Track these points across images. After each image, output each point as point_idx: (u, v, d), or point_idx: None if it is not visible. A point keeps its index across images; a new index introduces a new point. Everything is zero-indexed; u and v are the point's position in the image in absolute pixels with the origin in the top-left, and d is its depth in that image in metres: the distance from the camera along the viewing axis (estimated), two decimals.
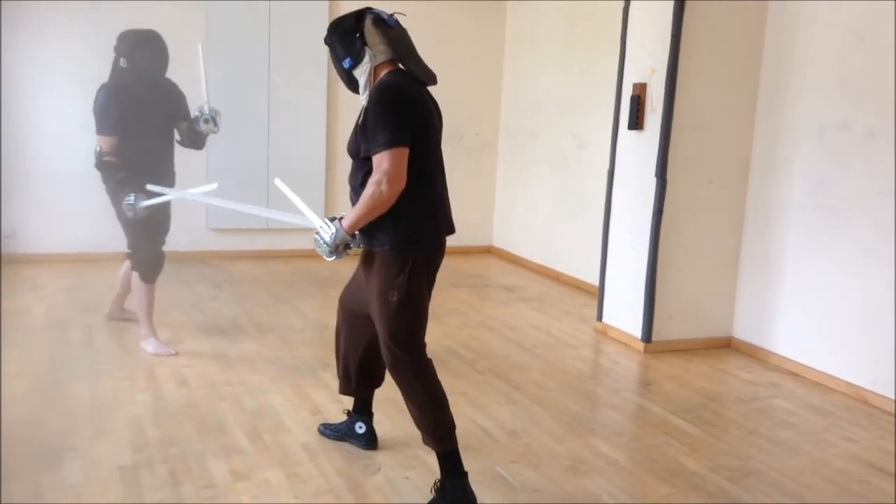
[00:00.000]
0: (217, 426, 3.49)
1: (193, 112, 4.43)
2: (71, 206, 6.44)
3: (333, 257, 2.86)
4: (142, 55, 4.23)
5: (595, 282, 5.76)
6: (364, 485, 3.04)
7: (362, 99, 2.86)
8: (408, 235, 2.81)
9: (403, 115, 2.72)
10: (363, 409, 3.37)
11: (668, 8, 4.62)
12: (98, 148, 4.24)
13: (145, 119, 4.26)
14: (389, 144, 2.67)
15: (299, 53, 6.98)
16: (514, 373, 4.41)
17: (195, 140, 4.50)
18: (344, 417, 3.45)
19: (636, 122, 4.86)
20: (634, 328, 4.97)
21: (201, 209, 6.87)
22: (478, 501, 2.88)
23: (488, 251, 7.97)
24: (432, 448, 2.91)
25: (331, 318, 3.33)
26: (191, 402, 3.76)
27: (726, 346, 5.07)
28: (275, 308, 5.50)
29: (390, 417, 3.57)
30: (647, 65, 4.80)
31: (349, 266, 3.11)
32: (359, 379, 3.28)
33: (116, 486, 2.92)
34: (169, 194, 4.16)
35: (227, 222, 6.88)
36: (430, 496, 2.88)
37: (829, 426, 3.88)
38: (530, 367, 4.54)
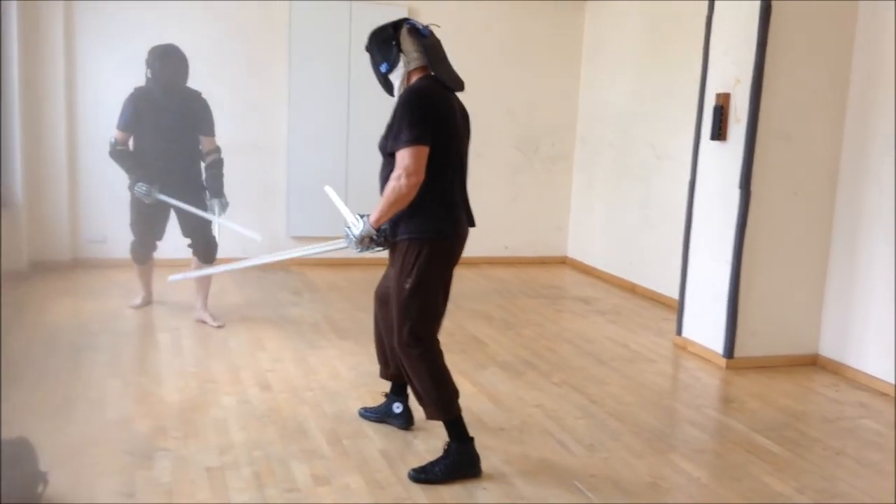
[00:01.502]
0: (299, 430, 3.57)
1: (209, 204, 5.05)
2: None
3: (359, 250, 3.06)
4: (160, 67, 4.79)
5: (672, 294, 5.66)
6: (442, 494, 3.06)
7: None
8: (425, 226, 3.02)
9: (427, 116, 2.95)
10: (400, 391, 3.60)
11: (754, 15, 4.52)
12: (113, 139, 4.92)
13: (159, 122, 4.86)
14: (411, 142, 2.88)
15: None
16: (591, 386, 4.37)
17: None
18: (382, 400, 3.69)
19: (719, 133, 4.77)
20: (716, 343, 4.86)
21: (283, 218, 7.04)
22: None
23: (563, 262, 7.92)
24: (437, 419, 3.08)
25: None
26: (273, 406, 3.85)
27: (812, 363, 4.91)
28: (353, 315, 5.59)
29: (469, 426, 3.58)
30: (731, 73, 4.70)
31: None
32: (395, 362, 3.44)
33: (204, 487, 3.02)
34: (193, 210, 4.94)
35: (307, 230, 7.00)
36: None
37: None
38: (608, 380, 4.49)
